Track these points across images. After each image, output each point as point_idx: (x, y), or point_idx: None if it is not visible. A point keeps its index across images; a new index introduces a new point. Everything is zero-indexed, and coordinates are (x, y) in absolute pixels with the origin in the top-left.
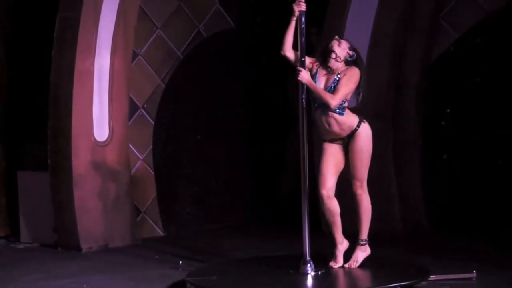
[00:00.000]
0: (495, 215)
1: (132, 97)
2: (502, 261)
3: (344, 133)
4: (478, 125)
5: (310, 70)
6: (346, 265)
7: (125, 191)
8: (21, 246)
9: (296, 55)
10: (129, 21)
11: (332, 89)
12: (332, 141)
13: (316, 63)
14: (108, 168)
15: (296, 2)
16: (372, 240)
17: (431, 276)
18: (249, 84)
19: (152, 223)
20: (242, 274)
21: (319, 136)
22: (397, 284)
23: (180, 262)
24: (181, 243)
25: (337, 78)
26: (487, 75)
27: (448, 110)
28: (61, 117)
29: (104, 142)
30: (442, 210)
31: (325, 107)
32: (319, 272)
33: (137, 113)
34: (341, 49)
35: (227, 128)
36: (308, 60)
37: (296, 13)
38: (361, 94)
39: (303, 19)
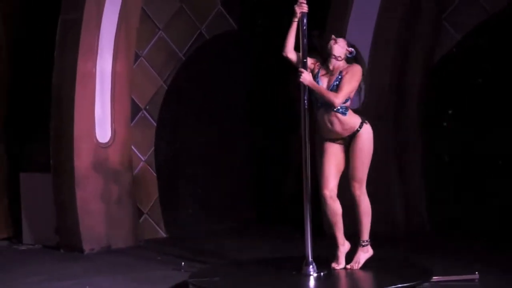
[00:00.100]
0: (496, 216)
1: (134, 99)
2: (505, 262)
3: (346, 133)
4: (479, 126)
5: (312, 71)
6: (348, 266)
7: (127, 192)
8: (23, 247)
9: (298, 56)
10: (131, 23)
11: (335, 88)
12: (333, 140)
13: (318, 64)
14: (110, 169)
15: (298, 3)
16: (373, 241)
17: (434, 277)
18: (251, 85)
19: (155, 224)
20: (244, 276)
21: (320, 136)
22: (399, 285)
23: (183, 263)
24: (184, 244)
25: (340, 77)
26: (489, 76)
27: (450, 111)
28: (63, 119)
29: (106, 143)
30: (444, 211)
31: (328, 106)
32: (322, 274)
33: (139, 114)
34: (340, 48)
35: (228, 129)
36: (309, 60)
37: (298, 15)
38: (362, 90)
39: (305, 21)
